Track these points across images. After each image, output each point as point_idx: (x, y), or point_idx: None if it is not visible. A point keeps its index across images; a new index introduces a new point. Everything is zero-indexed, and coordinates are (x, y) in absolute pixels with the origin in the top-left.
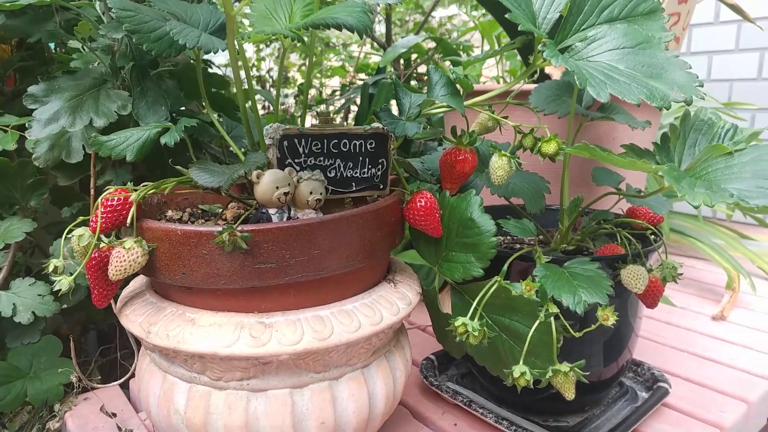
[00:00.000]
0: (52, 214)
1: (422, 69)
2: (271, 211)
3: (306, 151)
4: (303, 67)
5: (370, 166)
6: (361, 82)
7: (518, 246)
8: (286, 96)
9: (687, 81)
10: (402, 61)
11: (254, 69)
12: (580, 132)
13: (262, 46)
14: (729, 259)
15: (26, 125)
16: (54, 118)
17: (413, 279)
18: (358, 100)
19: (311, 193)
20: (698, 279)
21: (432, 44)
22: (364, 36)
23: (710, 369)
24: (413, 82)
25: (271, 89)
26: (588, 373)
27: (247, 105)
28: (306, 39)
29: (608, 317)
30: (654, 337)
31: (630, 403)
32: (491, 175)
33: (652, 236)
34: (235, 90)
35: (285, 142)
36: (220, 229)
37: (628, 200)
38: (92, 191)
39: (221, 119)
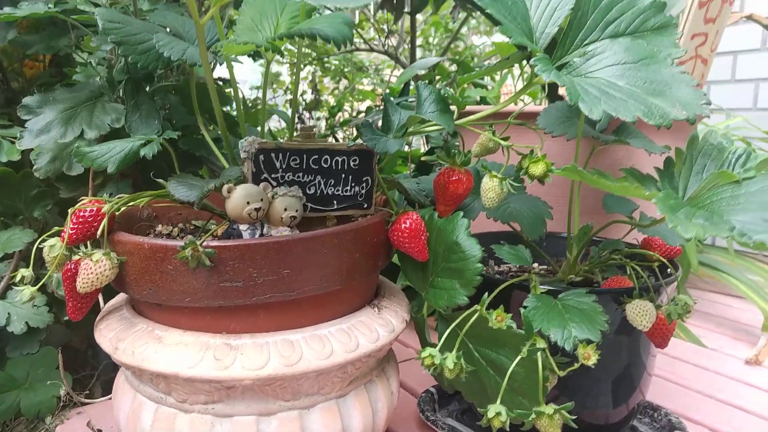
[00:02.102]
0: (57, 223)
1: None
2: (243, 227)
3: (284, 166)
4: (336, 91)
5: (353, 184)
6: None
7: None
8: (318, 119)
9: (692, 98)
10: (429, 82)
11: (288, 92)
12: (595, 156)
13: (295, 69)
14: (766, 297)
15: (18, 135)
16: (45, 129)
17: (401, 305)
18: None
19: (286, 209)
20: (734, 319)
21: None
22: (395, 63)
23: (738, 418)
24: None
25: (305, 112)
26: (578, 416)
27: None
28: (286, 52)
29: (590, 356)
30: (678, 380)
31: None
32: (482, 197)
33: (669, 270)
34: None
35: (261, 156)
36: (184, 243)
37: (639, 230)
38: None
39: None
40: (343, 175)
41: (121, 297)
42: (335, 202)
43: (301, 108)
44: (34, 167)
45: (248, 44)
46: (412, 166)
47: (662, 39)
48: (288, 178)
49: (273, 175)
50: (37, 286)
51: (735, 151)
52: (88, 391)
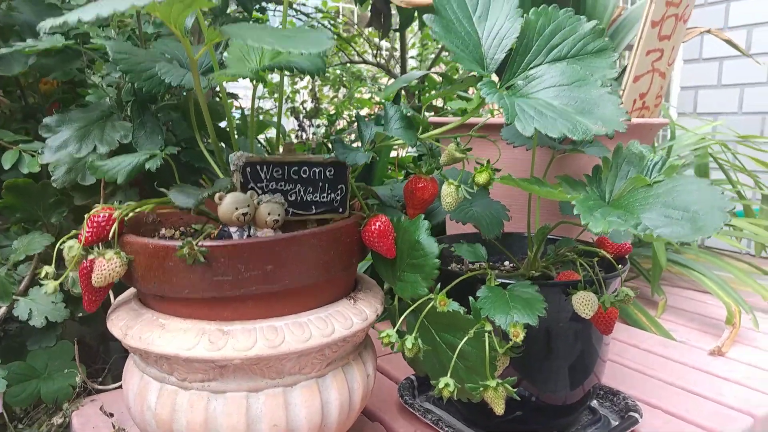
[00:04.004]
0: (75, 230)
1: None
2: (232, 229)
3: (268, 177)
4: (335, 99)
5: (329, 191)
6: None
7: (501, 274)
8: (318, 126)
9: (614, 115)
10: (416, 93)
11: (289, 101)
12: (558, 164)
13: (296, 79)
14: (731, 293)
15: (38, 151)
16: (63, 145)
17: (376, 297)
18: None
19: (269, 214)
20: (704, 314)
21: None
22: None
23: (693, 403)
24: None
25: (305, 120)
26: (539, 397)
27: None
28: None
29: (518, 333)
30: (645, 370)
31: (601, 431)
32: (441, 202)
33: (620, 265)
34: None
35: (248, 168)
36: (181, 243)
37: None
38: None
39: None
40: (321, 184)
41: (129, 292)
42: (314, 207)
43: (301, 116)
44: (52, 178)
45: (236, 75)
46: (403, 172)
47: (601, 61)
48: (272, 186)
49: (258, 185)
50: (59, 280)
51: (653, 159)
52: (101, 379)
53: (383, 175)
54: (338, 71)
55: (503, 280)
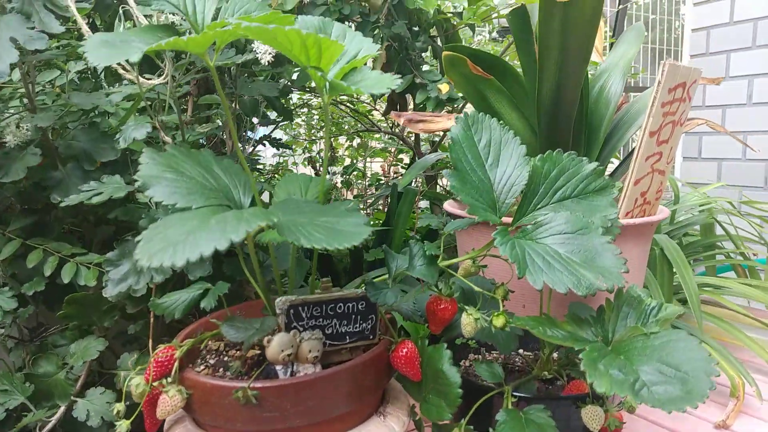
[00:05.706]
0: (121, 325)
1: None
2: (278, 367)
3: (308, 315)
4: (350, 148)
5: (361, 321)
6: (401, 166)
7: (515, 367)
8: (334, 173)
9: (614, 266)
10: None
11: (306, 151)
12: None
13: (313, 130)
14: (734, 362)
15: (103, 283)
16: (123, 278)
17: (403, 410)
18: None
19: (310, 351)
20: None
21: None
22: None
23: None
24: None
25: (320, 168)
26: None
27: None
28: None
29: None
30: None
31: None
32: (462, 328)
33: None
34: None
35: (291, 311)
36: (237, 386)
37: None
38: (151, 320)
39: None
40: (353, 316)
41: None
42: (347, 337)
43: (318, 164)
44: (107, 294)
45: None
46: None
47: (602, 198)
48: (311, 323)
49: (300, 323)
50: (130, 420)
51: (650, 303)
52: None
53: (403, 236)
54: (352, 121)
55: (519, 394)
